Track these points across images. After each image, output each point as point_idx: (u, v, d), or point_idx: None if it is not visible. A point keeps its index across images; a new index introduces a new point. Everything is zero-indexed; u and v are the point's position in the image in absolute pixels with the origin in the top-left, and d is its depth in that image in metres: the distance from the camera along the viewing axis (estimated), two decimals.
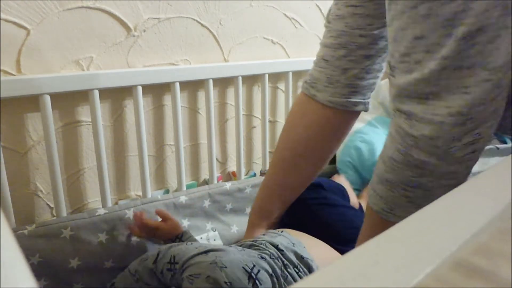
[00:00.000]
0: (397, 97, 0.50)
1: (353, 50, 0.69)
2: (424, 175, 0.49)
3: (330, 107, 0.74)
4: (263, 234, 0.90)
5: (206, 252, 0.72)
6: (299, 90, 1.48)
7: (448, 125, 0.46)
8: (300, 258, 0.82)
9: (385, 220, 0.55)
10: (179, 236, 0.96)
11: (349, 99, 0.73)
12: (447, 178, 0.49)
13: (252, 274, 0.68)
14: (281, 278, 0.73)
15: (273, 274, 0.72)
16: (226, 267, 0.67)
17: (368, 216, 0.60)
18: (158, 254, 0.77)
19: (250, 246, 0.82)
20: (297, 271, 0.79)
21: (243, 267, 0.69)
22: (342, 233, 0.98)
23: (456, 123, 0.45)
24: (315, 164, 0.83)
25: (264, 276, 0.70)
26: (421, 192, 0.50)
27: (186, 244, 0.79)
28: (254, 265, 0.70)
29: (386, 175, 0.52)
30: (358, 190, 1.37)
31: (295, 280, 0.77)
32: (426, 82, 0.46)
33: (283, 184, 0.84)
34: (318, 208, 1.03)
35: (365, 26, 0.67)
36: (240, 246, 0.82)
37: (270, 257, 0.76)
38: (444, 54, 0.44)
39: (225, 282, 0.65)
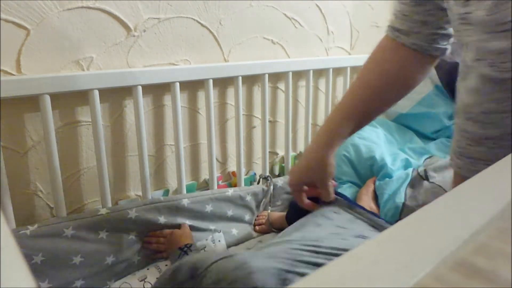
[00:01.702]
0: (481, 34, 0.44)
1: (428, 4, 0.69)
2: None
3: (412, 49, 0.74)
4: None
5: (231, 256, 0.63)
6: (299, 90, 1.49)
7: None
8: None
9: None
10: (188, 246, 0.95)
11: (431, 45, 0.74)
12: None
13: (287, 280, 0.60)
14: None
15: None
16: (254, 272, 0.58)
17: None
18: (178, 267, 0.68)
19: (281, 244, 0.73)
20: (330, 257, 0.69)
21: (274, 273, 0.60)
22: None
23: None
24: (389, 99, 0.82)
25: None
26: None
27: (205, 250, 0.73)
28: (288, 271, 0.62)
29: (484, 133, 0.47)
30: (351, 183, 1.37)
31: None
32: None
33: (360, 108, 0.82)
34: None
35: None
36: (268, 246, 0.74)
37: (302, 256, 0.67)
38: None
39: None
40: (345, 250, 0.68)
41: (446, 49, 0.77)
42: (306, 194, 0.89)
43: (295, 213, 1.16)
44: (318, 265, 0.66)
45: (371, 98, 0.81)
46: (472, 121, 0.49)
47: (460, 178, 0.56)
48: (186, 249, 0.97)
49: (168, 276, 0.69)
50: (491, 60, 0.44)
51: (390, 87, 0.79)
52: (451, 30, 0.74)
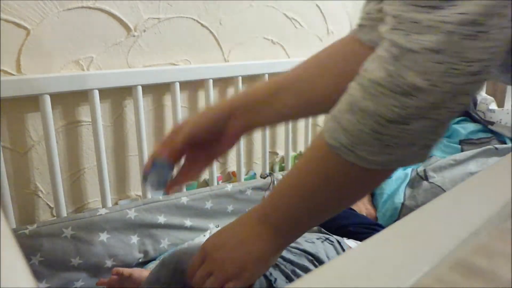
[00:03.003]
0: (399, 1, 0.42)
1: None
2: (407, 107, 0.42)
3: (368, 46, 0.67)
4: None
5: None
6: None
7: (458, 35, 0.38)
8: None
9: (339, 157, 0.47)
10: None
11: None
12: (429, 114, 0.42)
13: None
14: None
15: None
16: None
17: (316, 150, 0.51)
18: (159, 270, 0.72)
19: None
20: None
21: None
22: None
23: (467, 34, 0.38)
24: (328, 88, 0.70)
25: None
26: (394, 128, 0.43)
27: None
28: None
29: (362, 103, 0.44)
30: None
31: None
32: None
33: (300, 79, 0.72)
34: None
35: None
36: None
37: None
38: None
39: None
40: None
41: None
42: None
43: None
44: None
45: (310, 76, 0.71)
46: (359, 87, 0.47)
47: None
48: None
49: (152, 280, 0.72)
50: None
51: (335, 69, 0.69)
52: None
